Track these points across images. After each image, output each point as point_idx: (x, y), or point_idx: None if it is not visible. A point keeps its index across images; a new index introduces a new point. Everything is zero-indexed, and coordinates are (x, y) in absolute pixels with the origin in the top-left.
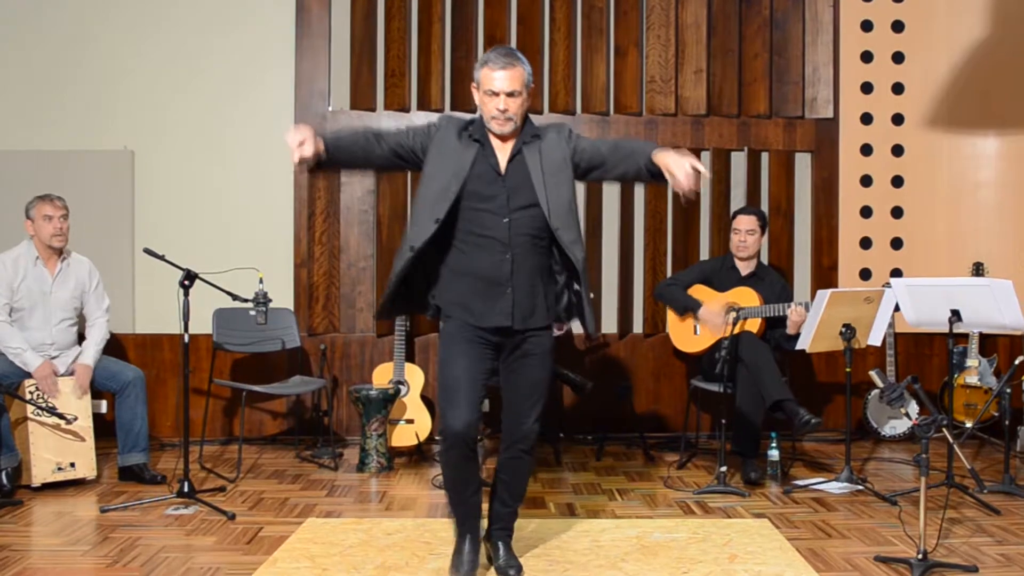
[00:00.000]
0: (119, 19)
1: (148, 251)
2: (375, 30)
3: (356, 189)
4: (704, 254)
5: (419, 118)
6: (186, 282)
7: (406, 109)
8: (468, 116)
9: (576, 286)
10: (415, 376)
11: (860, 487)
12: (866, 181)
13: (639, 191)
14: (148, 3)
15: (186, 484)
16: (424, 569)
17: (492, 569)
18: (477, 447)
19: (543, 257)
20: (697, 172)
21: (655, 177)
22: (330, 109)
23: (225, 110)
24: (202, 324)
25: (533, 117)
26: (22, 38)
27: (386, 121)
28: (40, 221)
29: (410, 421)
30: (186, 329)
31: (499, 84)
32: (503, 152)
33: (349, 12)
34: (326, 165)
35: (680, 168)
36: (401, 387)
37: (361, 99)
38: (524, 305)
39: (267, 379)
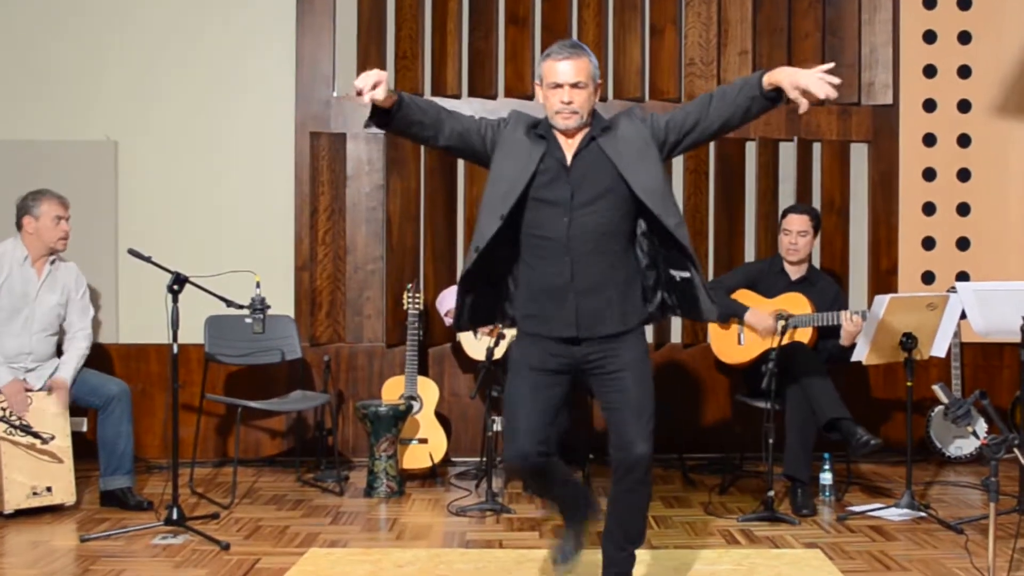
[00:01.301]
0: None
1: (133, 252)
2: (384, 7)
3: (364, 184)
4: (749, 256)
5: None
6: (175, 287)
7: (419, 93)
8: (537, 115)
9: (681, 275)
10: (429, 391)
11: (922, 514)
12: (929, 175)
13: (676, 187)
14: None
15: (175, 510)
16: None
17: None
18: (549, 458)
19: (617, 256)
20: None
21: (773, 101)
22: (335, 95)
23: (218, 97)
24: (193, 333)
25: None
26: None
27: None
28: (48, 221)
29: (423, 441)
30: (175, 339)
31: (563, 75)
32: (570, 149)
33: None
34: (395, 120)
35: (813, 82)
36: (413, 403)
37: None
38: (591, 311)
39: (265, 394)
